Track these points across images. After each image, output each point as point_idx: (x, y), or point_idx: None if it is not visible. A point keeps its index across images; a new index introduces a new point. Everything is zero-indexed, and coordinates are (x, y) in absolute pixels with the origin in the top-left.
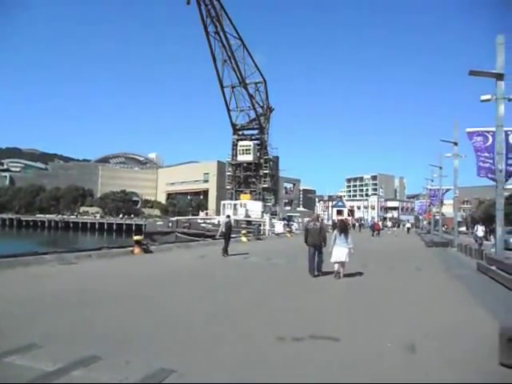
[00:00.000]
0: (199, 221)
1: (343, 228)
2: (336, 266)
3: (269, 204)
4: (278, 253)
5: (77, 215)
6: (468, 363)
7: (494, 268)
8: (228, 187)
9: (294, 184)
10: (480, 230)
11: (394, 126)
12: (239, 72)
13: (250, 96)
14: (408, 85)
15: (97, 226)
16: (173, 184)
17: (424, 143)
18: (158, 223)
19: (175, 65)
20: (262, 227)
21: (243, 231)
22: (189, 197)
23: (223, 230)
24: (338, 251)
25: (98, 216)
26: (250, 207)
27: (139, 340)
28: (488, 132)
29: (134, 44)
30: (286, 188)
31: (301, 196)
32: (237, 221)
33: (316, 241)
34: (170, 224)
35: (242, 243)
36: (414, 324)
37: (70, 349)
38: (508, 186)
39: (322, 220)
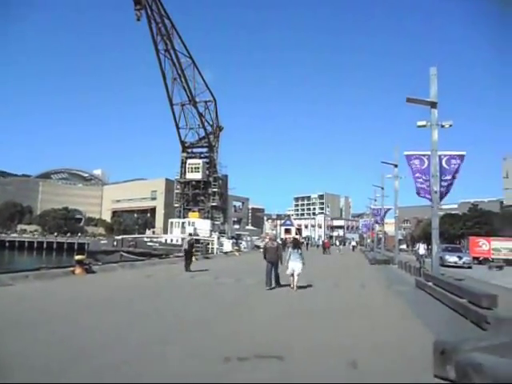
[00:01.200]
0: (146, 239)
1: (296, 244)
2: (291, 278)
3: (217, 222)
4: (226, 271)
5: (13, 233)
6: (406, 376)
7: (430, 284)
8: (176, 205)
9: (243, 202)
10: (421, 248)
11: (341, 147)
12: (189, 90)
13: (200, 114)
14: (356, 106)
15: (35, 244)
16: (119, 201)
17: (369, 164)
18: (102, 242)
19: (123, 77)
20: (210, 246)
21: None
22: (135, 215)
23: (185, 247)
24: (293, 265)
25: (36, 234)
26: (199, 226)
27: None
28: (424, 155)
29: (79, 55)
30: (234, 206)
31: (249, 214)
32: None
33: (273, 258)
34: (115, 243)
35: None
36: (356, 339)
37: None
38: (444, 206)
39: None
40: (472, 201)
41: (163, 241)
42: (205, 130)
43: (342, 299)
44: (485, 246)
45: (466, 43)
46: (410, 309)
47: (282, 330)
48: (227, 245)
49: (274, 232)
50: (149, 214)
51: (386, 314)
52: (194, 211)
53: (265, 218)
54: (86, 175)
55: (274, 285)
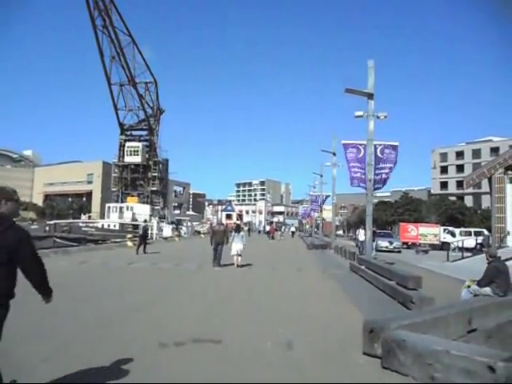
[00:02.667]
0: (81, 224)
1: (238, 229)
2: (235, 257)
3: (157, 207)
4: (166, 256)
5: None
6: (337, 354)
7: (363, 267)
8: (114, 189)
9: (184, 188)
10: (362, 234)
11: (283, 134)
12: (128, 70)
13: (140, 96)
14: (299, 94)
15: None
16: (52, 185)
17: (309, 152)
18: (33, 227)
19: (58, 54)
20: (149, 231)
21: (129, 235)
22: (70, 199)
23: (141, 233)
24: (236, 246)
25: None
26: (137, 210)
27: None
28: (360, 145)
29: (12, 30)
30: (175, 191)
31: (190, 200)
32: (122, 224)
33: (220, 239)
34: (47, 228)
35: (127, 248)
36: (292, 321)
37: None
38: (378, 194)
39: (226, 224)
40: (403, 189)
41: (100, 226)
42: (145, 112)
43: (278, 283)
44: (413, 231)
45: (402, 36)
46: (343, 291)
47: (220, 313)
48: (167, 230)
49: (220, 217)
50: (84, 199)
51: (320, 297)
52: (132, 196)
53: (206, 204)
54: (16, 156)
55: (220, 263)
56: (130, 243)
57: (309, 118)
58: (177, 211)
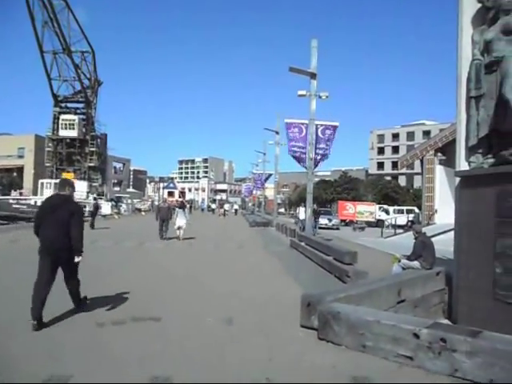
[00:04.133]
0: (11, 201)
1: (182, 206)
2: (177, 231)
3: (95, 184)
4: (105, 234)
5: None
6: (276, 328)
7: (303, 244)
8: (48, 164)
9: (124, 164)
10: (302, 212)
11: (227, 111)
12: (63, 37)
13: (76, 66)
14: (242, 71)
15: None
16: None
17: (253, 129)
18: None
19: None
20: (86, 209)
21: None
22: None
23: (91, 209)
24: (179, 221)
25: None
26: None
27: None
28: (302, 124)
29: None
30: (115, 168)
31: (131, 176)
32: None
33: (165, 215)
34: None
35: None
36: (233, 297)
37: None
38: (319, 173)
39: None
40: (343, 169)
41: (32, 203)
42: (81, 83)
43: (220, 260)
44: (351, 209)
45: (346, 16)
46: (283, 267)
47: (162, 291)
48: (106, 207)
49: (162, 195)
50: (15, 174)
51: (261, 273)
52: (68, 172)
53: (147, 181)
54: None
55: (165, 236)
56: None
57: (254, 96)
58: (116, 188)
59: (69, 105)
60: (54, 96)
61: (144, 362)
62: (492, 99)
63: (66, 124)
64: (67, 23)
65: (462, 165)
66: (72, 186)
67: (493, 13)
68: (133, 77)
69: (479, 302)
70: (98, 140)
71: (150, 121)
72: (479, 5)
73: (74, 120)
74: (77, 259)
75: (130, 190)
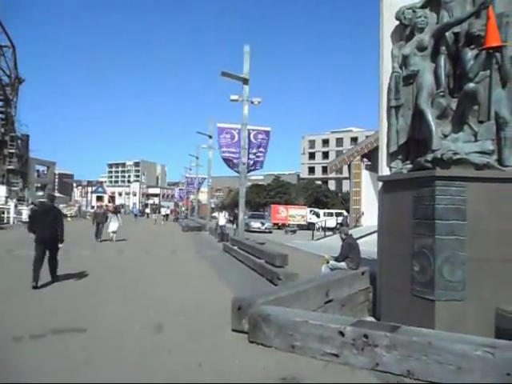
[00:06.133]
0: None
1: (115, 211)
2: (111, 234)
3: (15, 188)
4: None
5: None
6: (207, 333)
7: (236, 248)
8: None
9: (49, 167)
10: (222, 218)
11: (159, 115)
12: None
13: None
14: (174, 75)
15: None
16: None
17: (186, 133)
18: None
19: None
20: (5, 214)
21: None
22: None
23: (30, 214)
24: (112, 225)
25: None
26: None
27: None
28: (235, 129)
29: None
30: (38, 171)
31: (56, 180)
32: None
33: (100, 219)
34: None
35: None
36: (163, 303)
37: None
38: (252, 177)
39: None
40: (276, 173)
41: None
42: (0, 80)
43: (152, 265)
44: (283, 213)
45: (280, 23)
46: (215, 271)
47: (89, 298)
48: (26, 213)
49: (90, 199)
50: None
51: (193, 277)
52: None
53: (74, 185)
54: None
55: (101, 239)
56: None
57: (188, 100)
58: (40, 193)
59: None
60: None
61: (64, 376)
62: (409, 109)
63: None
64: None
65: (384, 170)
66: (55, 198)
67: (409, 30)
68: (59, 75)
69: (399, 298)
70: (19, 141)
71: (77, 123)
72: (397, 22)
73: None
74: (60, 245)
75: (56, 194)
